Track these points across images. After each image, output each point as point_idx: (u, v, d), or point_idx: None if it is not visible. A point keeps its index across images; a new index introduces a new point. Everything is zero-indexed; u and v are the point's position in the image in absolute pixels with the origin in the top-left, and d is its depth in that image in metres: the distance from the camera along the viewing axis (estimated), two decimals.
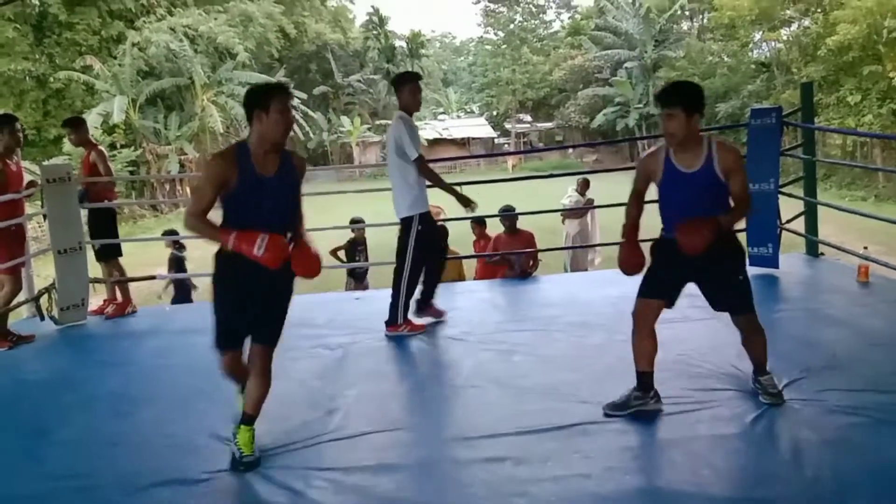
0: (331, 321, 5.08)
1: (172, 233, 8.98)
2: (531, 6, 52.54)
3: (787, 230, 6.03)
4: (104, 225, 5.78)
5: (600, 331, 4.45)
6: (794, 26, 31.42)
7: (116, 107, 29.55)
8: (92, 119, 27.87)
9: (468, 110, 54.79)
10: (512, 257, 6.40)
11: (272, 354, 2.96)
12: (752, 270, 5.49)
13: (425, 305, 4.89)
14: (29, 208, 5.67)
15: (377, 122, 44.18)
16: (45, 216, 5.68)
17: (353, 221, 8.30)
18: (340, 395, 3.64)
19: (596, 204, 8.92)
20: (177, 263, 8.44)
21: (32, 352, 4.90)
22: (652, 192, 3.25)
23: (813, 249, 6.19)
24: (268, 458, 2.95)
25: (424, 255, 4.70)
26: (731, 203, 3.08)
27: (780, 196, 5.76)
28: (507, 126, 48.97)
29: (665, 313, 3.24)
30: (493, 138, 48.23)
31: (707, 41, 40.46)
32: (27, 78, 30.63)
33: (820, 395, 3.26)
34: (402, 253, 4.64)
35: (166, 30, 32.56)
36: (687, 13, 43.33)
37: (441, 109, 50.72)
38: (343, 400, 3.58)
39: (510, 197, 7.01)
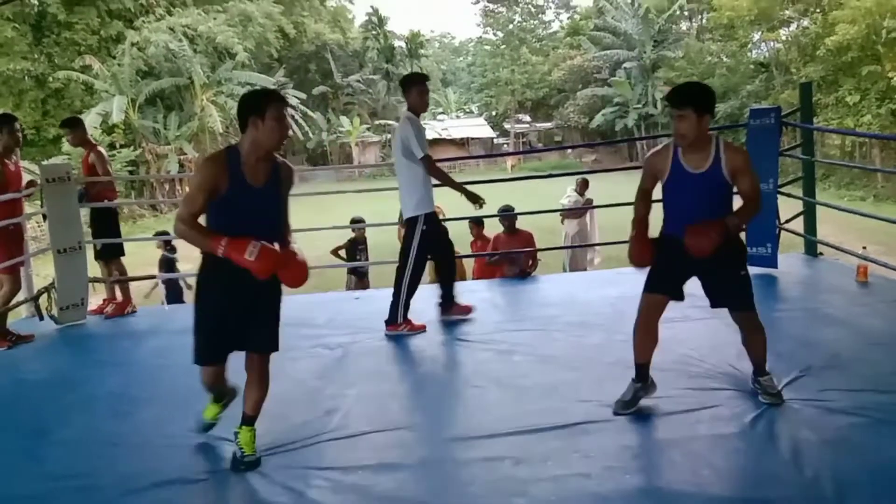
0: (331, 321, 5.08)
1: (164, 234, 8.98)
2: (530, 6, 52.57)
3: (786, 230, 6.04)
4: (106, 224, 5.79)
5: (599, 330, 4.45)
6: (793, 26, 31.44)
7: (116, 107, 29.53)
8: (91, 119, 27.87)
9: (467, 110, 54.81)
10: (512, 255, 6.42)
11: (269, 361, 2.94)
12: (751, 270, 5.53)
13: (449, 305, 4.90)
14: (28, 208, 5.67)
15: (376, 122, 44.20)
16: (44, 216, 5.68)
17: (354, 221, 8.30)
18: (340, 395, 3.64)
19: (595, 204, 8.92)
20: (167, 265, 8.43)
21: (32, 351, 4.89)
22: (656, 189, 3.26)
23: (812, 249, 6.19)
24: (268, 457, 2.95)
25: (428, 255, 4.72)
26: (736, 202, 3.09)
27: (778, 196, 5.77)
28: (507, 126, 48.99)
29: (665, 313, 3.24)
30: (492, 138, 48.25)
31: (706, 41, 40.47)
32: (26, 77, 30.63)
33: (819, 394, 3.26)
34: (406, 252, 4.65)
35: (165, 30, 32.56)
36: (686, 13, 43.36)
37: (440, 110, 50.70)
38: (343, 399, 3.58)
39: (509, 197, 7.02)
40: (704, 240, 2.95)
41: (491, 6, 50.40)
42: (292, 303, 5.67)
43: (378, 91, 45.68)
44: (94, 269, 5.78)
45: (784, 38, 31.79)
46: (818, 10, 28.93)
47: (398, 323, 4.66)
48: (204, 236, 2.69)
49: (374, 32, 47.56)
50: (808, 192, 6.15)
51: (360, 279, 8.53)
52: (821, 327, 4.35)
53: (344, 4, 53.30)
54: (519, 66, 48.00)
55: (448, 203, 5.64)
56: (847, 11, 24.83)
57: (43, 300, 5.40)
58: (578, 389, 3.52)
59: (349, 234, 8.56)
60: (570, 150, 42.33)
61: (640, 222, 3.27)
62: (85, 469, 3.00)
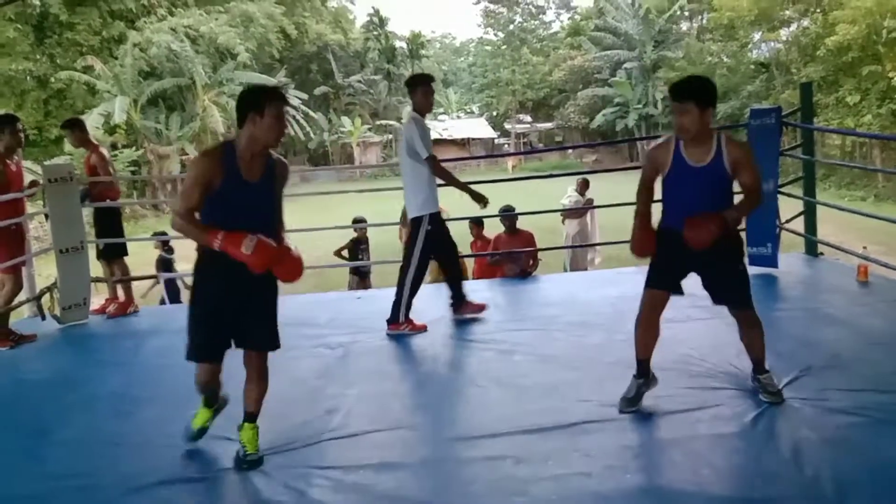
0: (332, 320, 5.09)
1: (162, 234, 8.98)
2: (531, 7, 52.58)
3: (787, 230, 6.04)
4: (109, 225, 5.79)
5: (600, 330, 4.46)
6: (794, 27, 31.43)
7: (118, 107, 29.56)
8: (93, 119, 27.91)
9: (468, 111, 54.84)
10: (513, 255, 6.43)
11: (267, 357, 2.95)
12: (751, 270, 5.52)
13: (461, 303, 4.91)
14: (31, 207, 5.68)
15: (377, 123, 44.22)
16: (46, 216, 5.69)
17: (356, 221, 8.31)
18: (341, 394, 3.65)
19: (595, 204, 8.92)
20: (164, 265, 8.43)
21: (34, 351, 4.90)
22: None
23: (812, 249, 6.20)
24: (269, 456, 2.95)
25: (432, 255, 4.73)
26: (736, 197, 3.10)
27: (779, 196, 5.77)
28: (507, 126, 48.99)
29: (667, 313, 3.26)
30: (493, 139, 48.26)
31: (706, 42, 40.45)
32: (28, 78, 30.67)
33: (820, 394, 3.27)
34: (410, 252, 4.66)
35: (167, 30, 32.56)
36: (686, 14, 43.33)
37: (441, 110, 50.71)
38: (344, 399, 3.58)
39: (510, 197, 7.02)
40: (703, 232, 2.97)
41: (492, 7, 50.42)
42: (293, 302, 5.70)
43: (379, 91, 45.70)
44: (95, 268, 5.79)
45: (784, 38, 31.78)
46: (818, 11, 28.91)
47: (400, 322, 4.66)
48: (201, 230, 2.69)
49: (375, 33, 47.58)
50: (808, 192, 6.15)
51: (361, 279, 8.53)
52: (821, 327, 4.36)
53: (345, 5, 53.44)
54: (520, 66, 48.01)
55: (448, 203, 5.64)
56: (847, 11, 24.82)
57: (45, 300, 5.41)
58: (579, 389, 3.52)
59: (351, 235, 8.57)
60: (570, 151, 42.31)
61: (643, 214, 3.28)
62: (86, 468, 3.00)
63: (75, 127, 5.75)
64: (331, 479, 2.79)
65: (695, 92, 3.01)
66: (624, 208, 3.93)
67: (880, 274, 5.40)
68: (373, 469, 2.86)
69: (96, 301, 5.96)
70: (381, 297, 5.22)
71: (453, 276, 4.92)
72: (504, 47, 49.84)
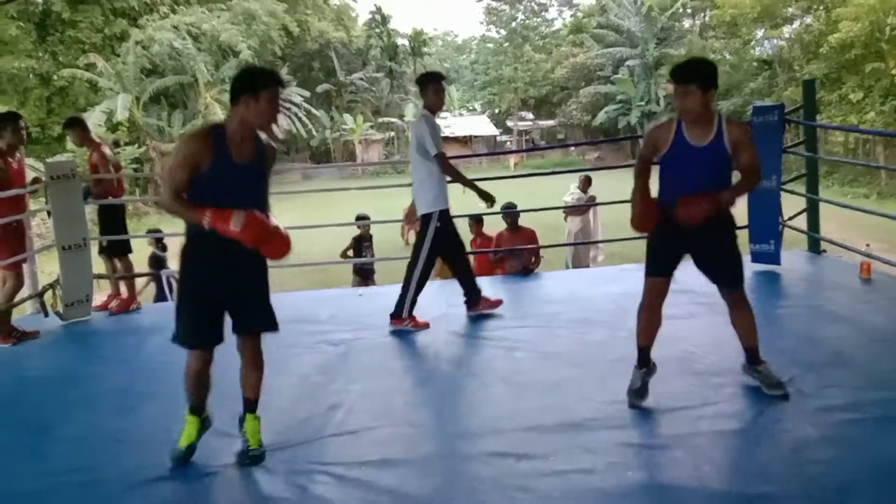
0: (334, 317, 5.08)
1: (156, 232, 8.99)
2: (533, 4, 52.45)
3: (790, 227, 6.04)
4: (112, 221, 5.80)
5: (602, 327, 4.46)
6: (797, 24, 31.33)
7: (120, 104, 29.59)
8: (95, 117, 27.95)
9: (470, 108, 54.77)
10: (516, 252, 6.43)
11: (260, 343, 2.92)
12: (754, 267, 5.55)
13: (476, 299, 4.90)
14: (33, 204, 5.69)
15: (379, 120, 44.21)
16: (49, 213, 5.70)
17: (360, 218, 8.32)
18: (344, 391, 3.65)
19: (598, 201, 8.92)
20: (157, 262, 8.44)
21: (36, 348, 4.91)
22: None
23: (815, 246, 6.19)
24: (271, 453, 2.95)
25: (439, 252, 4.74)
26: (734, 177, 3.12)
27: (782, 193, 5.76)
28: (510, 124, 48.92)
29: (668, 310, 3.26)
30: (495, 136, 48.22)
31: (709, 39, 40.33)
32: (31, 76, 30.68)
33: (821, 391, 3.26)
34: (419, 248, 4.66)
35: (169, 28, 32.60)
36: (689, 11, 43.22)
37: (444, 107, 50.64)
38: (346, 395, 3.59)
39: (512, 194, 7.03)
40: (695, 209, 3.00)
41: (494, 4, 50.33)
42: (295, 299, 5.71)
43: (381, 89, 45.68)
44: (98, 265, 5.80)
45: (787, 35, 31.69)
46: (821, 7, 28.82)
47: (403, 318, 4.67)
48: (189, 209, 2.67)
49: (377, 31, 47.55)
50: (811, 189, 6.15)
51: (364, 280, 8.54)
52: (824, 324, 4.35)
53: (347, 3, 53.42)
54: (522, 63, 47.96)
55: (457, 201, 5.64)
56: (850, 9, 24.72)
57: (48, 297, 5.43)
58: (581, 386, 3.52)
59: (353, 233, 8.58)
60: (573, 148, 42.27)
61: (642, 190, 3.28)
62: (88, 465, 3.01)
63: (76, 126, 5.76)
64: (333, 475, 2.79)
65: (698, 73, 3.02)
66: (626, 205, 3.92)
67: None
68: (375, 465, 2.86)
69: (98, 298, 5.97)
70: (383, 294, 5.22)
71: (464, 274, 4.92)
72: (506, 45, 49.76)
